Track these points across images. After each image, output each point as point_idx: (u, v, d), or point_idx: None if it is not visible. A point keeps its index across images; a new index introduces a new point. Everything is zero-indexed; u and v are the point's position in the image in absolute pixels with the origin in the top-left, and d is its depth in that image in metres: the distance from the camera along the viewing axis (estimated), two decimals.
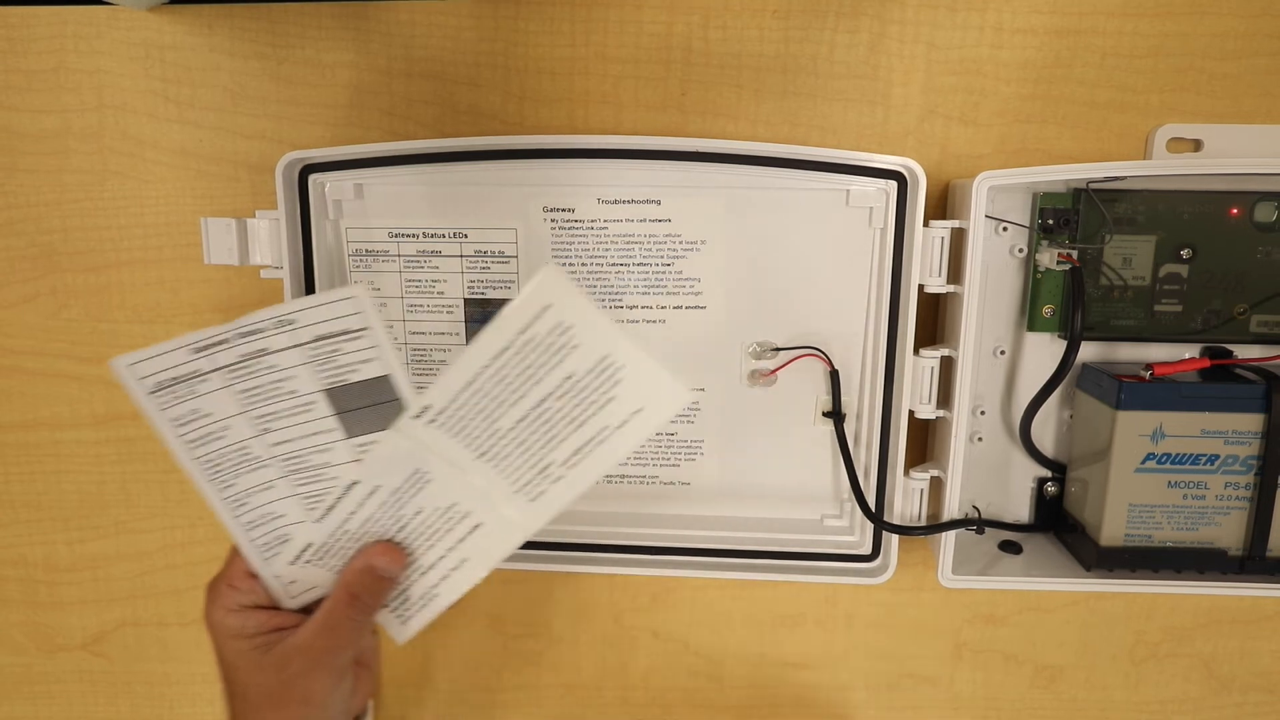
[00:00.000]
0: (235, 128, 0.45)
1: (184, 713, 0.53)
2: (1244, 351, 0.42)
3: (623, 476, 0.46)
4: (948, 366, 0.41)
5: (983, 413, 0.45)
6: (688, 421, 0.45)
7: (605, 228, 0.43)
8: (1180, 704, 0.49)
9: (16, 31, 0.44)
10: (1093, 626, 0.48)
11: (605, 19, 0.43)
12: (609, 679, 0.51)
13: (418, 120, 0.44)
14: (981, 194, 0.38)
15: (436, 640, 0.51)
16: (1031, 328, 0.43)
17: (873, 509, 0.43)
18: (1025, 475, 0.45)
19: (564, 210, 0.43)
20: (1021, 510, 0.46)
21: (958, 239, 0.40)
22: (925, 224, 0.40)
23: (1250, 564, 0.41)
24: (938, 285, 0.41)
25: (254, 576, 0.36)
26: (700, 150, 0.40)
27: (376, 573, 0.35)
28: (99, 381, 0.49)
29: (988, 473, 0.45)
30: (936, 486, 0.43)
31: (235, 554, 0.36)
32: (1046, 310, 0.42)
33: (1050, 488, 0.45)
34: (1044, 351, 0.43)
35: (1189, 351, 0.43)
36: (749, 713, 0.51)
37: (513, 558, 0.45)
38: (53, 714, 0.54)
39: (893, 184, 0.41)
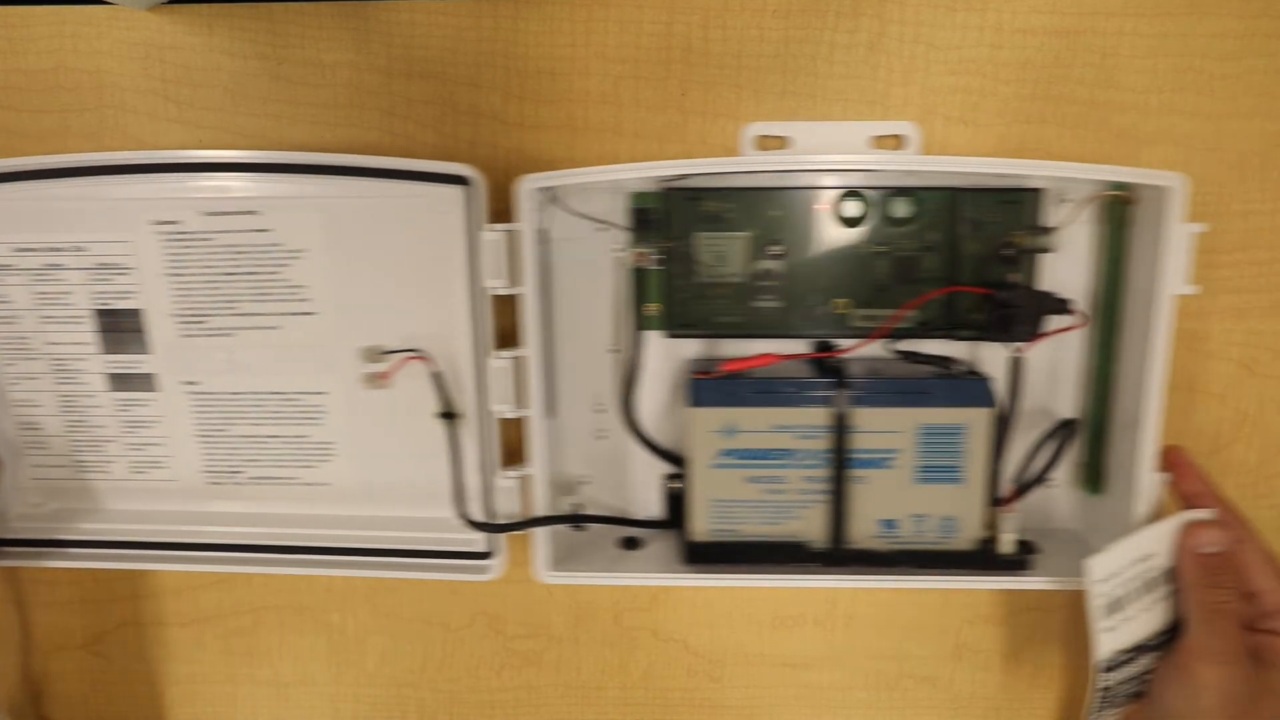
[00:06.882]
0: (236, 128, 0.45)
1: (184, 713, 0.53)
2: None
3: (265, 478, 0.47)
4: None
5: (606, 411, 0.46)
6: (316, 424, 0.46)
7: (210, 238, 0.44)
8: None
9: (16, 31, 0.44)
10: None
11: (605, 19, 0.43)
12: (609, 679, 0.51)
13: (418, 120, 0.44)
14: (527, 196, 0.39)
15: (436, 640, 0.51)
16: (641, 326, 0.44)
17: (467, 507, 0.44)
18: (655, 472, 0.46)
19: (171, 223, 0.44)
20: (657, 507, 0.46)
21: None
22: (485, 228, 0.41)
23: (832, 556, 0.42)
24: (501, 287, 0.41)
25: None
26: (296, 162, 0.41)
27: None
28: None
29: (617, 469, 0.46)
30: (529, 484, 0.43)
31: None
32: (651, 308, 0.43)
33: (674, 484, 0.45)
34: (656, 348, 0.45)
35: (802, 347, 0.44)
36: (749, 713, 0.51)
37: None
38: (53, 714, 0.54)
39: (460, 189, 0.41)
